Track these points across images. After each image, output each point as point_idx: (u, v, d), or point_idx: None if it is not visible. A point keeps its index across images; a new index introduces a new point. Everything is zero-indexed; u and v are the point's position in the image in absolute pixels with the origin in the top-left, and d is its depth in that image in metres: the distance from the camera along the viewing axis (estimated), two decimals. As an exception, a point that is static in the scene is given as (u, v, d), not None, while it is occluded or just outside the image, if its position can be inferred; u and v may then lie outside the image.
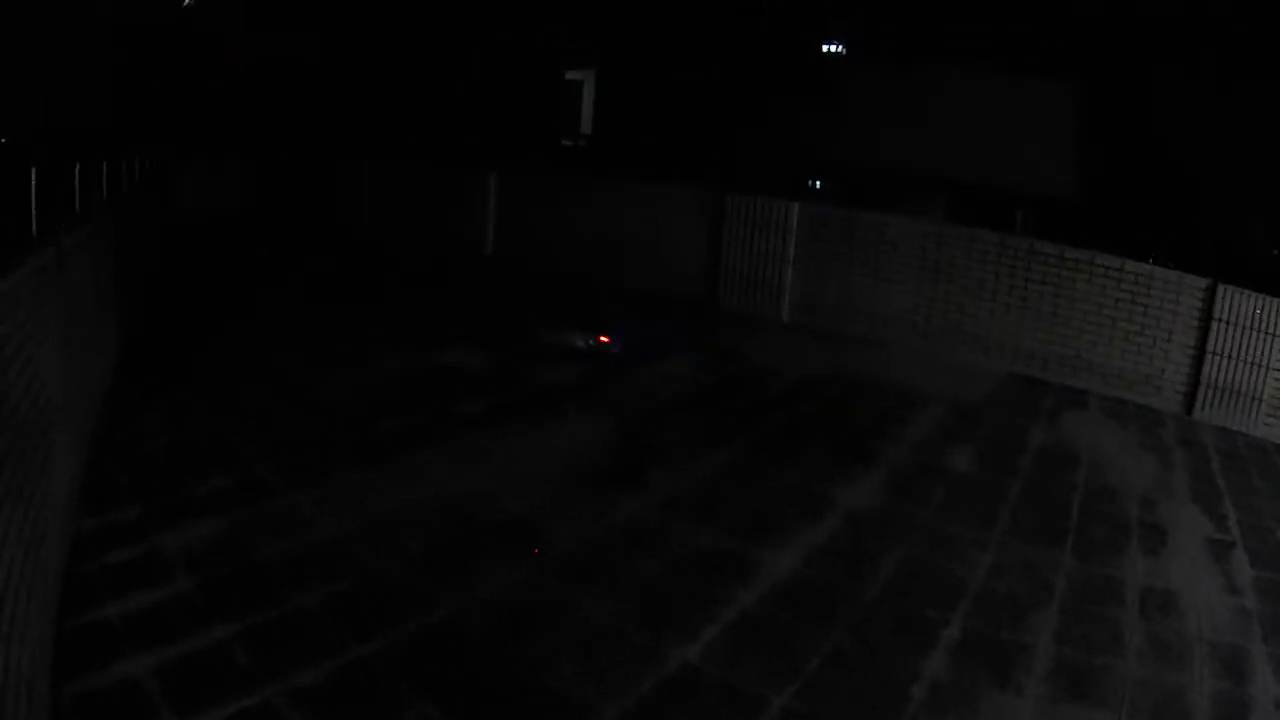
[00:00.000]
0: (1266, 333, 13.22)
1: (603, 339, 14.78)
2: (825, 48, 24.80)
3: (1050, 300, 14.95)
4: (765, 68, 23.94)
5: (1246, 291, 13.42)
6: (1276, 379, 13.24)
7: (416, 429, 10.11)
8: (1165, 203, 19.34)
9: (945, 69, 21.89)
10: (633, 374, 13.11)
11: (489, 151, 23.95)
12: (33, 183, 7.42)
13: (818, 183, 24.29)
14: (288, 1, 27.57)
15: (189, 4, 26.39)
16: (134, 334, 13.06)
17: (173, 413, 10.11)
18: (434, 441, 9.78)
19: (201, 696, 5.40)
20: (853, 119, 22.95)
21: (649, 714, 5.66)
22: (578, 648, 6.25)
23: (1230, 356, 13.50)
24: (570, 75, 29.92)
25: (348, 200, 25.12)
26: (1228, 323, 13.51)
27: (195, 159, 25.63)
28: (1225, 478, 11.34)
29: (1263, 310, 13.22)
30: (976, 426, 12.26)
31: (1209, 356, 13.65)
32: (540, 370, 12.81)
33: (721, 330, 16.43)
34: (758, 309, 17.83)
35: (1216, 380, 13.62)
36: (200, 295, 16.47)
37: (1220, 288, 13.57)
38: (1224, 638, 7.25)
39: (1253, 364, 13.34)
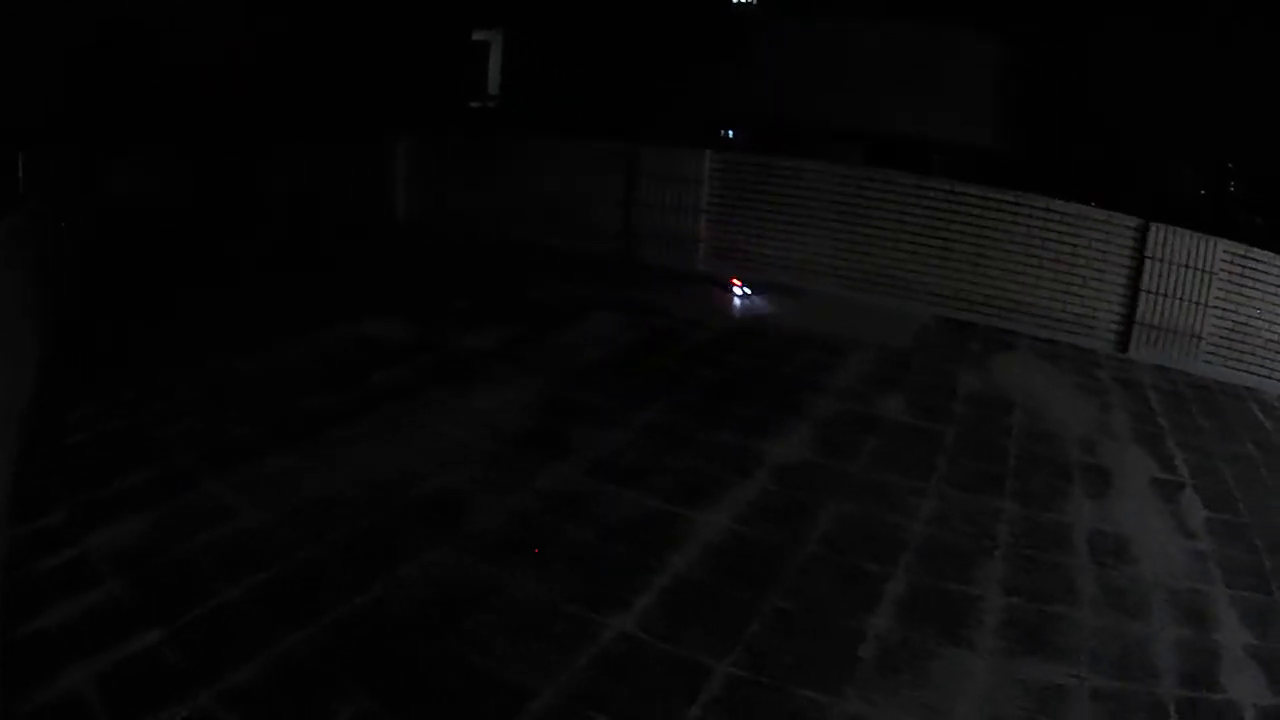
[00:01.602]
0: (1202, 270, 12.92)
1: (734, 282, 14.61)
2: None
3: (974, 242, 14.60)
4: (676, 20, 23.50)
5: (1179, 229, 13.17)
6: (1216, 316, 12.96)
7: (336, 405, 9.56)
8: (1090, 151, 19.21)
9: (860, 21, 21.60)
10: (552, 336, 12.54)
11: (397, 118, 23.39)
12: None
13: (729, 133, 23.94)
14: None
15: None
16: (62, 326, 12.36)
17: (96, 405, 9.51)
18: (354, 418, 9.23)
19: (140, 702, 4.96)
20: (767, 72, 22.58)
21: (587, 690, 5.16)
22: (510, 625, 5.76)
23: (1166, 294, 13.26)
24: (477, 36, 29.34)
25: (265, 183, 24.52)
26: (1162, 260, 13.26)
27: (120, 150, 25.18)
28: (1168, 417, 11.00)
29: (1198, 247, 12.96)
30: (905, 372, 11.81)
31: (1143, 295, 13.41)
32: (460, 337, 12.22)
33: (640, 285, 15.83)
34: (676, 262, 17.26)
35: (1152, 319, 13.40)
36: (125, 282, 15.72)
37: (1153, 226, 13.34)
38: (1182, 583, 6.81)
39: (1190, 301, 13.09)
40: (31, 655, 5.34)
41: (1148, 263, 13.34)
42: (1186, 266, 13.10)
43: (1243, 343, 13.05)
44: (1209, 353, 13.13)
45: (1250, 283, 12.99)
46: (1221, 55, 17.56)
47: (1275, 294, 12.90)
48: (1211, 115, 17.84)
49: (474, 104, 29.23)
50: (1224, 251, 12.94)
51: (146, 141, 24.55)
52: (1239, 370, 13.07)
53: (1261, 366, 13.01)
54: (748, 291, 14.93)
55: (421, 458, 8.31)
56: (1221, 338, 13.15)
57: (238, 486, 7.62)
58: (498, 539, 6.87)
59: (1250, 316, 13.04)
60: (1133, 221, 13.55)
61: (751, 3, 24.49)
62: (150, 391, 9.91)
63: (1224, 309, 13.09)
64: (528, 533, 7.00)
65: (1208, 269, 12.97)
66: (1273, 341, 12.96)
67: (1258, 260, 12.97)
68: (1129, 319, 13.57)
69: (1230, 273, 13.02)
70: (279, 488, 7.63)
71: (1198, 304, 13.06)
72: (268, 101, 26.15)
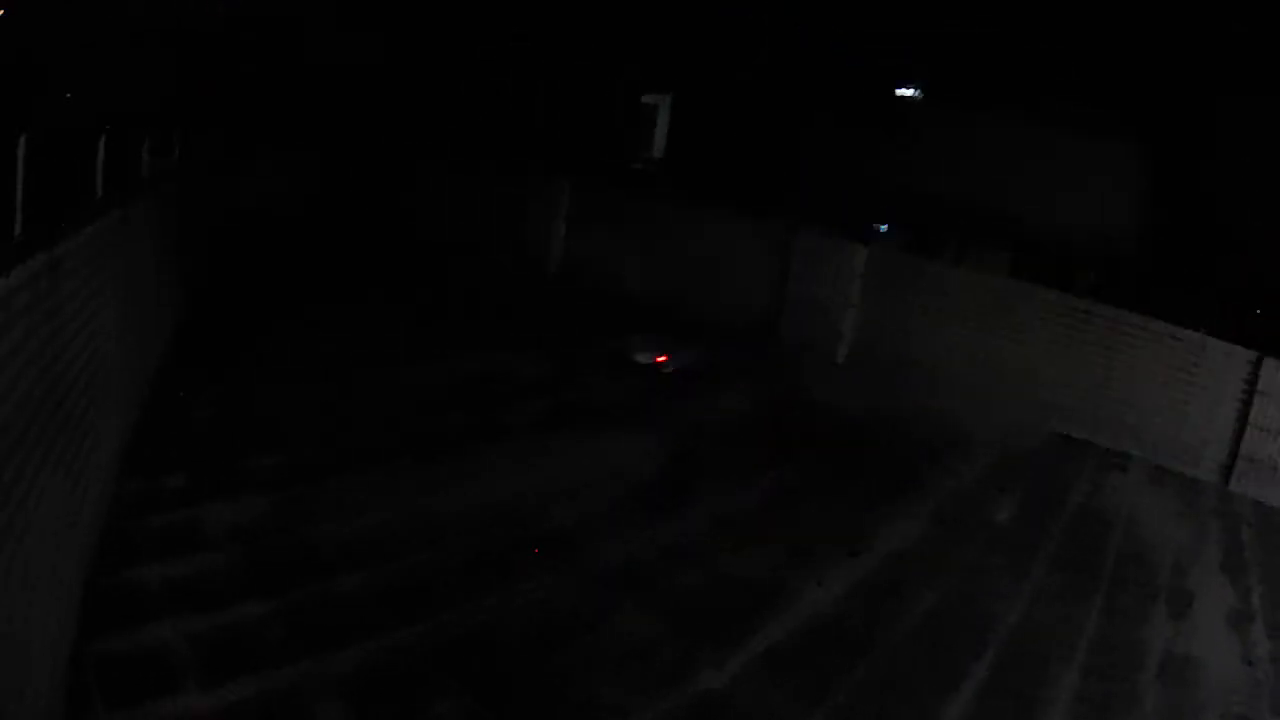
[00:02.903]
0: (1306, 408, 13.46)
1: (660, 359, 14.97)
2: (899, 91, 24.98)
3: (1103, 363, 15.15)
4: (844, 104, 24.15)
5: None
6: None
7: (467, 428, 10.36)
8: (1219, 262, 19.29)
9: (1010, 124, 22.01)
10: (692, 399, 13.36)
11: (561, 168, 23.99)
12: (100, 155, 7.64)
13: (884, 227, 24.44)
14: (379, 6, 27.73)
15: None
16: (191, 311, 13.24)
17: (224, 388, 10.40)
18: (488, 442, 10.05)
19: (230, 666, 5.68)
20: (920, 166, 23.06)
21: None
22: (613, 657, 6.56)
23: (1271, 430, 13.71)
24: (647, 99, 30.02)
25: (419, 203, 25.11)
26: (1271, 396, 13.72)
27: (269, 149, 25.55)
28: (1253, 550, 11.63)
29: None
30: (1020, 479, 12.58)
31: (1249, 430, 13.85)
32: (600, 382, 13.17)
33: (781, 363, 16.71)
34: (818, 346, 17.91)
35: (1256, 453, 13.82)
36: (257, 286, 16.54)
37: (1266, 360, 13.75)
38: (1233, 707, 7.65)
39: (1293, 439, 13.54)
40: (123, 602, 6.04)
41: (1258, 398, 13.81)
42: (1294, 404, 13.58)
43: (1338, 484, 13.50)
44: (1304, 491, 13.57)
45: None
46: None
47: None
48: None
49: (637, 165, 29.81)
50: (1331, 393, 13.39)
51: (291, 146, 25.21)
52: (1331, 511, 13.53)
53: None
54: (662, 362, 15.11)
55: (550, 490, 9.16)
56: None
57: (364, 486, 8.44)
58: (615, 575, 7.76)
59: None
60: (1249, 355, 13.97)
61: (917, 98, 25.04)
62: (280, 386, 10.75)
63: (1325, 449, 13.52)
64: (642, 572, 7.90)
65: (1313, 408, 13.46)
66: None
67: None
68: (1234, 452, 14.00)
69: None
70: (404, 493, 8.46)
71: (1299, 442, 13.55)
72: (422, 122, 26.85)
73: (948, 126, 23.38)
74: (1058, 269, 19.33)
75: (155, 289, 10.31)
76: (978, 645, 7.83)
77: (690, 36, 25.90)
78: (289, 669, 5.67)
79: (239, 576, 6.53)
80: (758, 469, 10.82)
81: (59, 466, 5.26)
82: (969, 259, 17.73)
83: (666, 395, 13.19)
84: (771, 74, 24.95)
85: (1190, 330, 14.56)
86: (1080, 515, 11.77)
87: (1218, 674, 8.21)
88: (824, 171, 23.88)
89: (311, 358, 12.09)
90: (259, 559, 6.81)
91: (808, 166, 24.27)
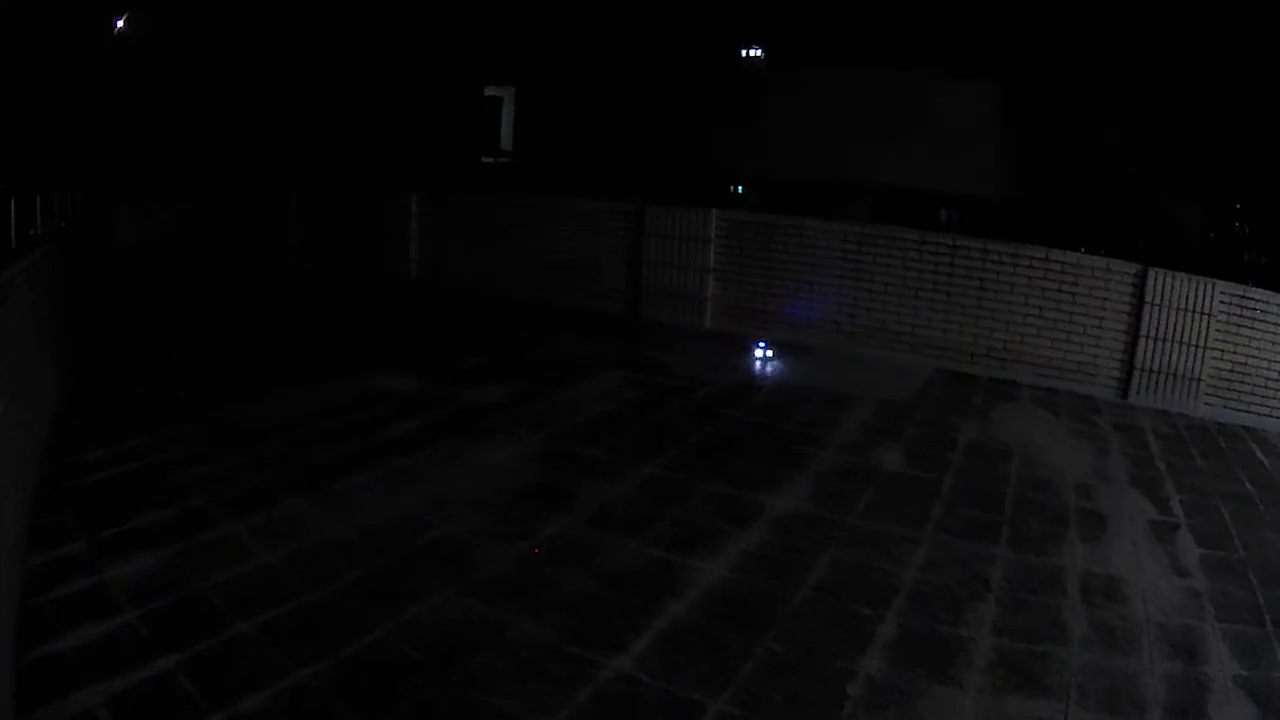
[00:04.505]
0: (1202, 313, 13.04)
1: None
2: (744, 52, 24.60)
3: (975, 294, 14.76)
4: (686, 77, 23.75)
5: (1177, 273, 13.30)
6: (1214, 358, 13.06)
7: (347, 456, 9.76)
8: (1094, 198, 19.29)
9: (862, 74, 21.80)
10: (556, 393, 12.71)
11: (411, 172, 23.68)
12: None
13: (739, 189, 24.07)
14: (220, 43, 27.29)
15: (122, 30, 26.02)
16: (79, 367, 12.86)
17: (111, 448, 9.75)
18: (365, 467, 9.44)
19: None
20: (771, 130, 22.79)
21: None
22: (512, 665, 5.89)
23: (1165, 339, 13.36)
24: (490, 92, 29.65)
25: (278, 232, 24.80)
26: (1160, 305, 13.37)
27: (133, 196, 25.52)
28: (1166, 460, 11.07)
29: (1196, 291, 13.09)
30: (905, 425, 11.89)
31: (1142, 340, 13.52)
32: (466, 392, 12.46)
33: (646, 343, 16.05)
34: (681, 320, 17.52)
35: (1151, 363, 13.49)
36: (139, 330, 16.26)
37: (1151, 271, 13.46)
38: (1174, 619, 6.88)
39: (1189, 345, 13.21)
40: (45, 675, 5.51)
41: (1147, 308, 13.45)
42: (1185, 310, 13.21)
43: (1241, 383, 13.12)
44: (1208, 394, 13.22)
45: (1248, 323, 13.09)
46: (1229, 91, 17.68)
47: (1273, 333, 12.97)
48: (1218, 154, 17.92)
49: (487, 159, 29.50)
50: (1221, 293, 13.02)
51: (154, 189, 24.96)
52: (1238, 410, 13.14)
53: (1260, 405, 13.08)
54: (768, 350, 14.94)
55: (428, 506, 8.48)
56: (1220, 379, 13.23)
57: (252, 530, 7.81)
58: (502, 585, 7.00)
59: (1249, 356, 13.12)
60: (1132, 268, 13.68)
61: (759, 59, 24.69)
62: (163, 437, 10.12)
63: (1222, 350, 13.17)
64: (530, 579, 7.14)
65: (1206, 311, 13.07)
66: (1271, 380, 13.02)
67: (1255, 300, 13.07)
68: (1129, 365, 13.67)
69: (1228, 314, 13.11)
70: (291, 532, 7.82)
71: (1196, 347, 13.16)
72: (276, 149, 26.53)
73: (793, 94, 23.17)
74: (920, 212, 19.04)
75: (40, 352, 9.92)
76: (882, 599, 6.98)
77: (527, 21, 25.46)
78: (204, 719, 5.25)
79: (144, 635, 6.07)
80: (633, 458, 10.04)
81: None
82: (829, 215, 17.06)
83: (534, 396, 12.50)
84: (614, 53, 24.50)
85: (1064, 251, 14.11)
86: (973, 450, 11.05)
87: (1150, 589, 7.42)
88: (676, 154, 23.67)
89: (195, 403, 11.59)
90: (159, 616, 6.34)
91: (659, 150, 24.00)
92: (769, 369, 14.60)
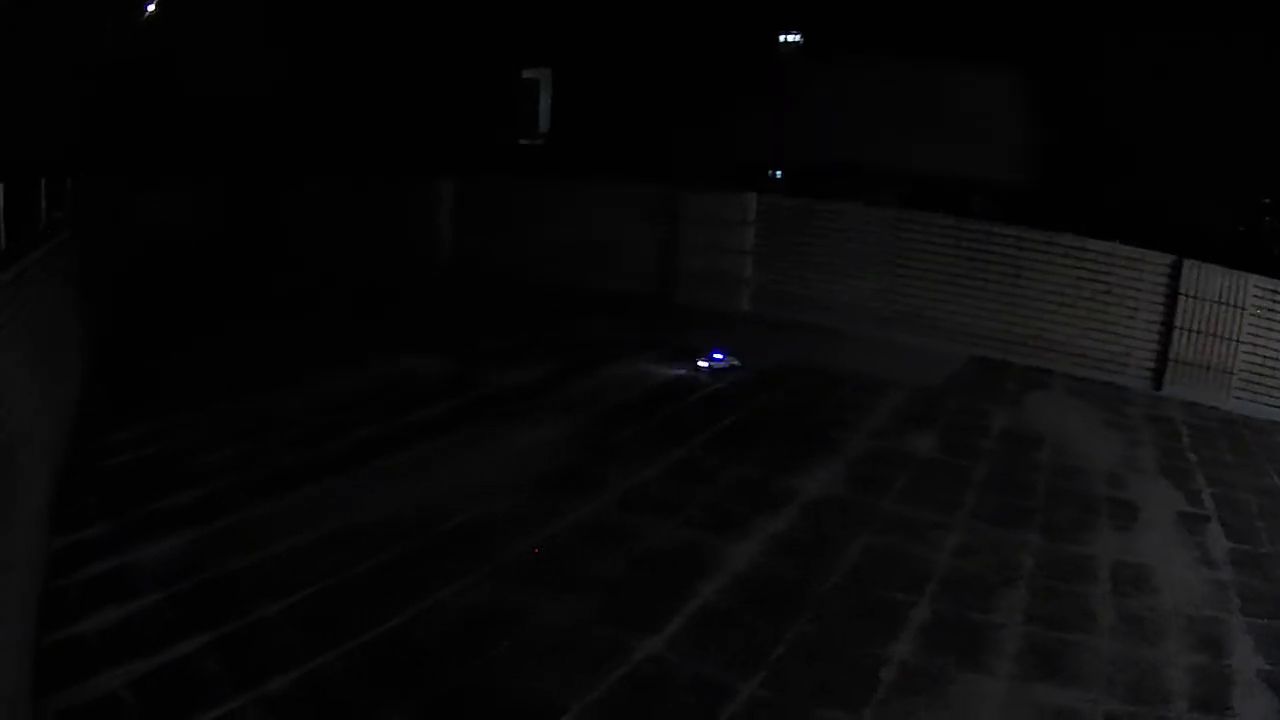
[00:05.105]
0: (1235, 306, 13.03)
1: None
2: (782, 38, 24.61)
3: (1010, 282, 14.78)
4: (723, 61, 23.74)
5: (1212, 266, 13.26)
6: (1247, 352, 13.06)
7: (376, 439, 9.84)
8: (1123, 187, 19.24)
9: (896, 60, 21.77)
10: (590, 375, 12.83)
11: (445, 155, 23.66)
12: None
13: (777, 175, 24.07)
14: (247, 24, 27.21)
15: (151, 15, 26.06)
16: (102, 351, 12.89)
17: (135, 430, 9.86)
18: (393, 450, 9.52)
19: (176, 706, 5.20)
20: (804, 115, 22.78)
21: (616, 706, 5.39)
22: (542, 647, 6.01)
23: (1198, 331, 13.34)
24: (527, 74, 29.62)
25: (311, 218, 24.77)
26: (1195, 297, 13.33)
27: (155, 182, 25.42)
28: (1196, 452, 11.12)
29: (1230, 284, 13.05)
30: (938, 411, 11.98)
31: (1176, 332, 13.50)
32: (497, 374, 12.54)
33: (680, 326, 16.12)
34: (718, 303, 17.57)
35: (1185, 355, 13.48)
36: (162, 315, 16.23)
37: (1186, 263, 13.41)
38: (1200, 611, 6.96)
39: (1221, 337, 13.18)
40: (67, 658, 5.60)
41: (1181, 300, 13.42)
42: (1219, 302, 13.17)
43: (1272, 377, 13.09)
44: (1239, 388, 13.20)
45: (1280, 317, 13.06)
46: (1259, 82, 17.60)
47: (1305, 327, 12.92)
48: (1245, 149, 17.83)
49: (523, 141, 29.44)
50: (1255, 286, 13.01)
51: (177, 175, 24.90)
52: (1268, 405, 13.12)
53: (1290, 400, 13.09)
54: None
55: (456, 490, 8.57)
56: (1252, 372, 13.21)
57: (277, 513, 7.91)
58: (530, 567, 7.11)
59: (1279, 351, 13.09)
60: (1166, 259, 13.63)
61: (794, 45, 24.68)
62: (188, 421, 10.24)
63: (1254, 344, 13.15)
64: (558, 560, 7.26)
65: (1239, 304, 13.05)
66: (1302, 375, 12.99)
67: (1288, 294, 13.03)
68: (1163, 356, 13.66)
69: (1261, 308, 13.08)
70: (318, 516, 7.90)
71: (1229, 340, 13.14)
72: (303, 135, 26.44)
73: (826, 80, 23.15)
74: (952, 200, 19.02)
75: (64, 336, 10.05)
76: (915, 584, 7.09)
77: (565, 3, 25.43)
78: (228, 701, 5.26)
79: (169, 618, 6.11)
80: (665, 441, 10.15)
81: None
82: (861, 198, 17.11)
83: (568, 378, 12.60)
84: (651, 38, 24.49)
85: (1100, 240, 14.09)
86: (1006, 437, 11.15)
87: (1178, 579, 7.51)
88: (713, 137, 23.63)
89: (218, 385, 11.66)
90: (185, 598, 6.40)
91: (693, 134, 23.97)
92: (801, 353, 14.58)
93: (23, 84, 18.60)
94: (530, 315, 16.89)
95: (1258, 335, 13.15)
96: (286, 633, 6.01)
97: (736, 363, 13.53)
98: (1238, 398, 13.21)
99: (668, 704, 5.44)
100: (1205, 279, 13.25)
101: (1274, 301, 13.06)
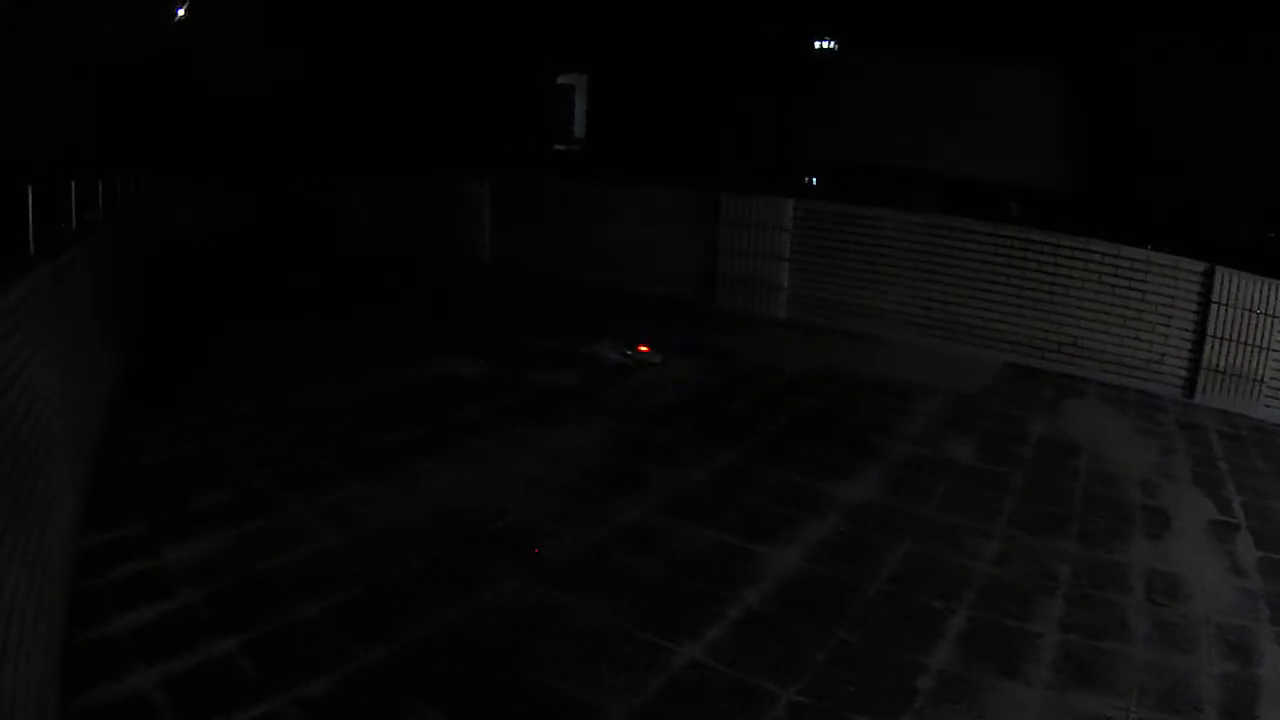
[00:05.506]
0: (1267, 314, 13.17)
1: (641, 349, 14.35)
2: (817, 44, 24.76)
3: (1046, 289, 14.93)
4: (755, 67, 23.90)
5: (1244, 273, 13.36)
6: (1277, 360, 13.20)
7: (417, 439, 10.06)
8: (1155, 192, 19.33)
9: (930, 66, 21.90)
10: (629, 378, 13.10)
11: (483, 159, 23.91)
12: (29, 200, 7.37)
13: (814, 180, 24.23)
14: (274, 23, 27.43)
15: (182, 18, 26.37)
16: (133, 349, 13.13)
17: (169, 429, 10.05)
18: (434, 450, 9.73)
19: (211, 707, 5.36)
20: (842, 118, 22.94)
21: (656, 712, 5.59)
22: (583, 650, 6.18)
23: (1230, 339, 13.45)
24: (562, 79, 29.85)
25: (345, 217, 25.04)
26: (1227, 305, 13.44)
27: (189, 182, 25.66)
28: (1228, 461, 11.29)
29: (1263, 291, 13.16)
30: (975, 418, 12.21)
31: (1209, 340, 13.61)
32: (538, 375, 12.81)
33: (719, 330, 16.41)
34: (755, 308, 17.86)
35: (1216, 363, 13.58)
36: (195, 315, 16.51)
37: (1218, 270, 13.51)
38: (1231, 620, 7.18)
39: (1253, 346, 13.30)
40: (96, 657, 5.73)
41: (1214, 307, 13.53)
42: (1251, 310, 13.29)
43: (1303, 387, 13.23)
44: (1270, 396, 13.30)
45: (1312, 326, 13.15)
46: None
47: (1336, 337, 13.01)
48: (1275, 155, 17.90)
49: (559, 146, 29.66)
50: (1286, 294, 13.12)
51: (211, 175, 25.14)
52: (1298, 414, 13.26)
53: (1322, 410, 13.18)
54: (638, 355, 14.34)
55: (498, 490, 8.81)
56: (1283, 382, 13.33)
57: (316, 512, 8.10)
58: (573, 570, 7.33)
59: (1310, 360, 13.17)
60: (1199, 266, 13.74)
61: (830, 50, 24.84)
62: (224, 418, 10.48)
63: (1286, 352, 13.26)
64: (603, 564, 7.48)
65: (1272, 313, 13.16)
66: (1333, 384, 13.08)
67: (1319, 304, 13.14)
68: (1195, 364, 13.78)
69: (1293, 317, 13.20)
70: (358, 515, 8.12)
71: (1261, 348, 13.24)
72: (341, 134, 26.67)
73: (865, 82, 23.30)
74: (987, 204, 19.18)
75: (96, 334, 10.18)
76: (953, 591, 7.33)
77: (599, 8, 25.61)
78: (263, 703, 5.37)
79: (204, 618, 6.24)
80: (705, 445, 10.39)
81: (16, 546, 4.86)
82: (898, 204, 17.30)
83: (607, 380, 12.88)
84: (685, 42, 24.68)
85: (1134, 248, 14.23)
86: (1043, 445, 11.35)
87: (1209, 587, 7.73)
88: (749, 141, 23.80)
89: (255, 384, 11.86)
90: (220, 598, 6.52)
91: (730, 138, 24.15)
92: (838, 359, 14.84)
93: (42, 87, 18.91)
94: (569, 316, 17.22)
95: (1289, 344, 13.24)
96: (326, 634, 6.18)
97: (775, 367, 13.75)
98: (1267, 406, 13.31)
99: (706, 709, 5.65)
100: (1238, 286, 13.36)
101: (1305, 310, 13.17)
